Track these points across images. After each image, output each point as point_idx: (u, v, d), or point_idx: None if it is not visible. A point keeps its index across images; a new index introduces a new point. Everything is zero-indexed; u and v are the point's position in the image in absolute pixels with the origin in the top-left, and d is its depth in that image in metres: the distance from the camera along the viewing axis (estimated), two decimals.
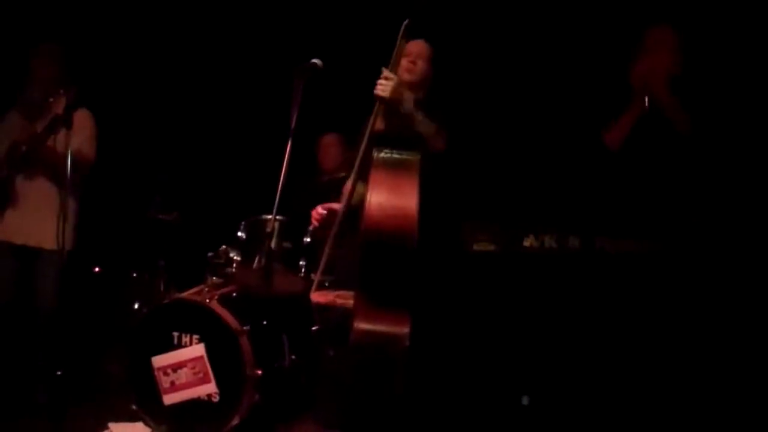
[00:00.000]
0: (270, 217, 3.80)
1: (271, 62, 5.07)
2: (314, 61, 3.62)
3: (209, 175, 5.36)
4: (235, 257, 4.37)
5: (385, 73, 3.26)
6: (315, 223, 3.85)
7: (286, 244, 4.20)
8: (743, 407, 3.58)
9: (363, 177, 3.27)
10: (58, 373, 3.88)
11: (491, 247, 3.80)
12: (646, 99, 3.79)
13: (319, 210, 3.75)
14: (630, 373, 3.66)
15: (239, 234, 4.39)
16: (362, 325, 2.97)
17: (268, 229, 3.86)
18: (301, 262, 4.26)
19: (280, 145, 3.51)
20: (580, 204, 3.97)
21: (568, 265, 3.70)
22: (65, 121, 3.90)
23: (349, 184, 3.62)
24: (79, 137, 4.13)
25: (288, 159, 3.45)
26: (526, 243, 3.73)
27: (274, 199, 3.48)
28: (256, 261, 4.27)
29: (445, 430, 3.95)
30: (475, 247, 3.83)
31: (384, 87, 3.24)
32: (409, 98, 3.32)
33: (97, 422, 4.16)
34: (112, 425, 4.14)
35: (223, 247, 4.41)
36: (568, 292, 3.76)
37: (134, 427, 4.11)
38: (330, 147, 5.24)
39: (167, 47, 5.38)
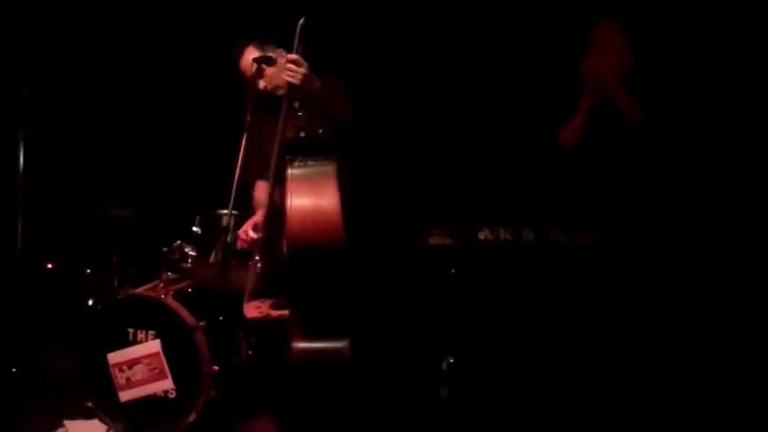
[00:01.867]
0: (226, 211, 3.79)
1: (225, 53, 5.03)
2: (269, 53, 3.61)
3: (163, 170, 5.31)
4: (190, 252, 4.36)
5: (295, 59, 3.17)
6: (244, 244, 3.82)
7: None
8: (699, 399, 3.65)
9: (278, 183, 3.21)
10: (13, 370, 3.84)
11: (447, 241, 3.82)
12: (598, 94, 3.85)
13: (250, 234, 3.69)
14: (583, 363, 3.71)
15: (194, 229, 4.38)
16: (300, 344, 2.92)
17: (224, 224, 3.85)
18: (253, 261, 4.25)
19: (235, 139, 3.50)
20: (535, 197, 4.01)
21: (522, 258, 3.73)
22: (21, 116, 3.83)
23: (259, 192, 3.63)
24: None
25: (243, 153, 3.43)
26: (481, 236, 3.76)
27: (230, 194, 3.46)
28: (212, 256, 4.26)
29: (404, 421, 3.99)
30: (431, 241, 3.85)
31: (294, 74, 3.17)
32: (316, 82, 3.28)
33: (52, 420, 4.13)
34: (67, 423, 4.11)
35: (178, 242, 4.40)
36: (524, 285, 3.79)
37: (90, 424, 4.08)
38: None
39: (120, 41, 5.31)
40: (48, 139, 4.45)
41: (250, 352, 4.28)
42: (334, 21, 3.21)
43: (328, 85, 3.35)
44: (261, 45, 3.68)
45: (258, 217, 3.58)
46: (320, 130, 3.27)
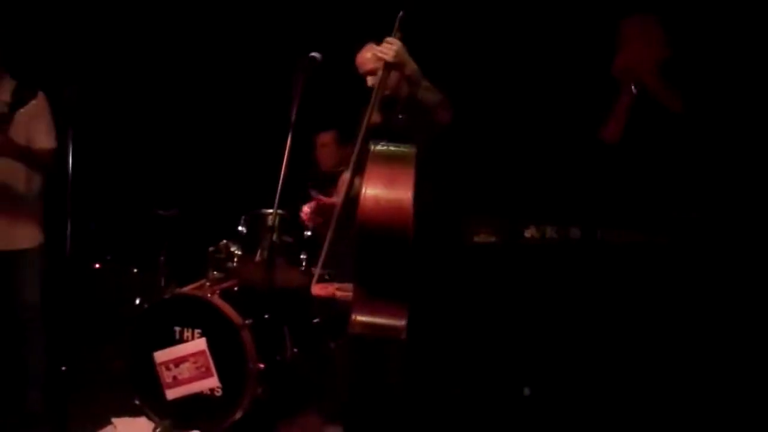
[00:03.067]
0: (271, 211, 3.80)
1: (269, 55, 5.06)
2: (313, 54, 3.61)
3: (209, 170, 5.35)
4: (236, 251, 4.38)
5: (388, 39, 3.21)
6: (306, 221, 3.81)
7: (287, 238, 4.20)
8: (740, 394, 3.60)
9: (360, 169, 3.25)
10: (62, 369, 3.88)
11: (492, 239, 3.81)
12: (633, 88, 3.80)
13: (306, 210, 3.69)
14: (631, 362, 3.67)
15: (240, 228, 4.40)
16: (359, 318, 2.96)
17: (270, 223, 3.86)
18: (302, 256, 4.26)
19: (280, 138, 3.51)
20: (582, 195, 3.98)
21: (569, 256, 3.71)
22: (70, 119, 3.87)
23: (345, 176, 3.62)
24: (37, 126, 4.03)
25: (288, 153, 3.45)
26: (528, 234, 3.74)
27: (275, 193, 3.48)
28: (257, 255, 4.28)
29: (448, 420, 3.97)
30: (476, 239, 3.84)
31: (387, 50, 3.20)
32: (412, 64, 3.30)
33: (101, 417, 4.17)
34: (115, 420, 4.15)
35: (224, 241, 4.43)
36: (570, 282, 3.77)
37: (137, 422, 4.12)
38: (325, 146, 5.14)
39: (165, 43, 5.37)
40: (96, 142, 4.49)
41: (295, 349, 4.30)
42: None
43: (435, 94, 3.36)
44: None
45: (326, 199, 3.60)
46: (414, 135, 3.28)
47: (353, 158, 3.31)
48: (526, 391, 3.89)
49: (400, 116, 3.39)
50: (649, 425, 3.65)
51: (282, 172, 3.47)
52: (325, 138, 5.14)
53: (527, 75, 4.69)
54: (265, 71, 5.06)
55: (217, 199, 5.19)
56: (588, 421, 3.75)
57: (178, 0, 5.34)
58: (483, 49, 4.78)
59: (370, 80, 3.62)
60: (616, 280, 3.67)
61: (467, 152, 4.72)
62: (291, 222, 4.24)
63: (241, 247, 4.37)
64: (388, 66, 3.23)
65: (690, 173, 3.76)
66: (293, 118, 3.49)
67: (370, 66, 3.61)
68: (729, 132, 3.71)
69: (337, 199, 3.57)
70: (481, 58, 4.78)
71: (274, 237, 3.88)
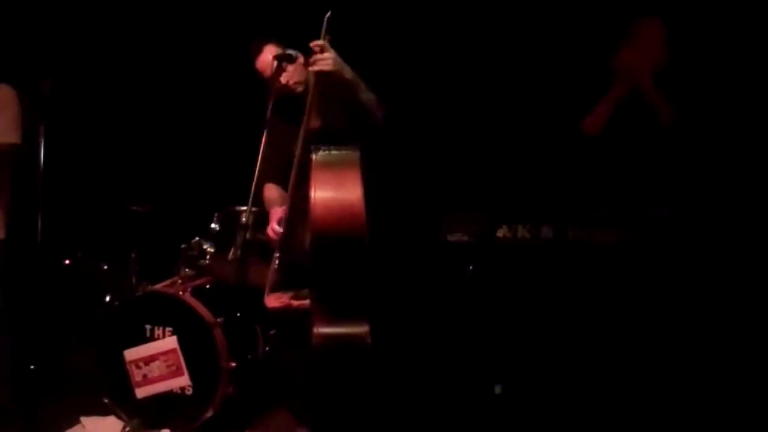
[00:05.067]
0: (244, 208, 3.78)
1: (245, 51, 5.03)
2: (289, 51, 3.60)
3: (182, 166, 5.32)
4: (208, 249, 4.36)
5: (318, 46, 3.14)
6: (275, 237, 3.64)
7: (261, 236, 4.17)
8: (713, 392, 3.63)
9: (303, 177, 3.21)
10: (31, 367, 3.85)
11: (465, 238, 3.82)
12: (628, 87, 3.81)
13: (278, 229, 3.56)
14: (603, 360, 3.69)
15: (213, 225, 4.38)
16: (321, 330, 2.94)
17: (243, 221, 3.84)
18: (275, 254, 4.24)
19: (255, 135, 3.50)
20: (553, 194, 3.99)
21: (541, 255, 3.72)
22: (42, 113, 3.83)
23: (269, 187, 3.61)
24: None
25: (263, 150, 3.43)
26: (500, 233, 3.75)
27: (249, 191, 3.46)
28: (230, 252, 4.26)
29: (419, 419, 3.97)
30: (449, 237, 3.85)
31: (325, 61, 3.15)
32: (348, 68, 3.26)
33: (69, 416, 4.14)
34: (84, 419, 4.12)
35: (197, 238, 4.40)
36: (542, 282, 3.78)
37: (106, 420, 4.09)
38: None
39: (138, 37, 5.34)
40: (68, 136, 4.46)
41: (267, 348, 4.28)
42: (359, 16, 3.20)
43: (371, 94, 3.34)
44: (279, 44, 3.65)
45: (279, 212, 3.56)
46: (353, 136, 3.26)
47: (295, 163, 3.27)
48: (498, 390, 3.90)
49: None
50: (620, 423, 3.67)
51: (256, 170, 3.45)
52: None
53: (502, 74, 4.70)
54: (241, 67, 5.03)
55: (191, 196, 5.15)
56: (559, 419, 3.77)
57: None
58: (455, 40, 4.78)
59: (282, 79, 3.56)
60: (588, 278, 3.68)
61: (440, 149, 4.74)
62: (265, 219, 4.22)
63: (213, 245, 4.36)
64: (326, 75, 3.18)
65: (663, 170, 3.77)
66: (268, 114, 3.47)
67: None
68: (709, 135, 3.73)
69: (275, 210, 3.54)
70: (454, 49, 4.79)
71: (248, 235, 3.86)
